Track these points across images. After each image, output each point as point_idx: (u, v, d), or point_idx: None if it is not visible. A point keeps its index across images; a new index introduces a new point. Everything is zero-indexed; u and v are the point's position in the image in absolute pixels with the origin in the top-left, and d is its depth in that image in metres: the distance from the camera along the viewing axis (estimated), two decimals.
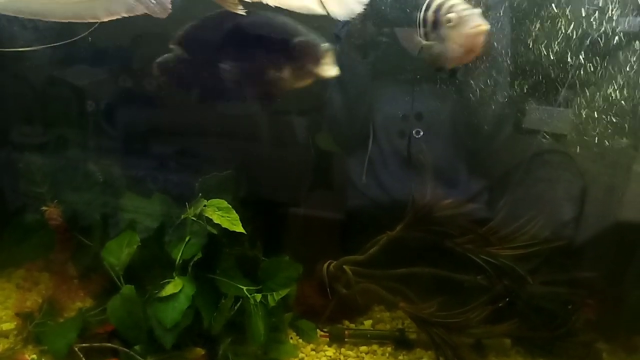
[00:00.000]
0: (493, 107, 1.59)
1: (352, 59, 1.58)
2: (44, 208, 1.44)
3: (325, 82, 1.66)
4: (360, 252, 1.56)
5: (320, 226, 1.84)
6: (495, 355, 1.53)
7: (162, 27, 1.27)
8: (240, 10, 1.06)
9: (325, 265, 1.57)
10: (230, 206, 1.25)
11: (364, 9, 1.24)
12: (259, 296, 1.29)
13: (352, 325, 1.59)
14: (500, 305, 1.42)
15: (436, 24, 1.23)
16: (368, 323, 1.61)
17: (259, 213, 1.77)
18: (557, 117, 1.62)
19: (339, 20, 1.52)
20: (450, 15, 1.18)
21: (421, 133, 1.65)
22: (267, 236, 1.70)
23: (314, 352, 1.47)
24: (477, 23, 1.17)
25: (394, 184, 1.70)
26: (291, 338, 1.50)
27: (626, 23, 1.44)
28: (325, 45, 1.22)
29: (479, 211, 1.62)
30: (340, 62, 1.54)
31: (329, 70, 1.24)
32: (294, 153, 1.86)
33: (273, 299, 1.33)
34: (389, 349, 1.50)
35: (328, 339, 1.51)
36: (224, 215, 1.24)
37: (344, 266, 1.55)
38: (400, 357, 1.47)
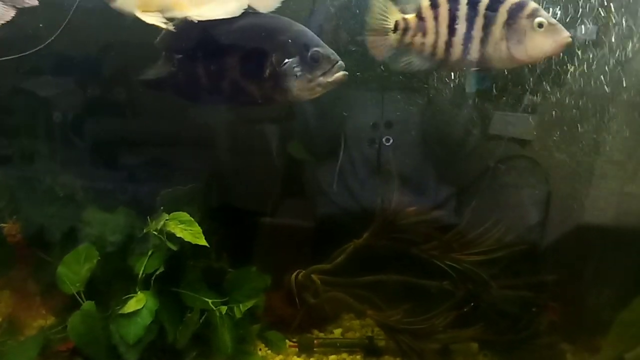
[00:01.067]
0: (461, 113, 1.64)
1: None
2: (1, 225, 1.40)
3: None
4: (328, 260, 1.57)
5: (291, 235, 1.84)
6: (462, 359, 1.55)
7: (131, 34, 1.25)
8: None
9: (294, 275, 1.57)
10: (192, 219, 1.24)
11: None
12: (224, 308, 1.28)
13: (322, 335, 1.59)
14: (465, 310, 1.44)
15: (488, 22, 1.08)
16: (338, 331, 1.62)
17: (230, 223, 1.79)
18: (521, 123, 1.66)
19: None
20: (541, 20, 1.06)
21: (391, 141, 1.67)
22: (239, 246, 1.71)
23: None
24: (568, 34, 1.08)
25: (364, 191, 1.71)
26: (260, 349, 1.49)
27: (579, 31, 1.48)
28: (341, 62, 1.15)
29: (444, 217, 1.66)
30: None
31: (336, 84, 1.17)
32: (267, 162, 1.85)
33: (239, 311, 1.32)
34: (358, 357, 1.51)
35: (297, 349, 1.51)
36: (186, 228, 1.22)
37: (312, 275, 1.55)
38: None
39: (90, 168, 1.69)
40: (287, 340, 1.50)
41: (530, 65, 1.51)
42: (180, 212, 1.27)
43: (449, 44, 1.10)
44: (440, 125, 1.70)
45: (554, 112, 1.59)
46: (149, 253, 1.25)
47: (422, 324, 1.35)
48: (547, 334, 1.55)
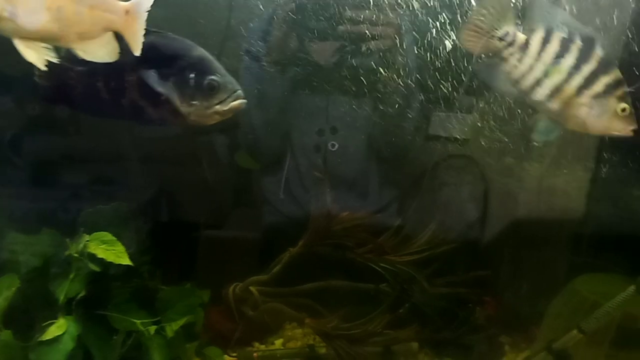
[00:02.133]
0: (405, 116, 1.65)
1: (269, 74, 1.58)
2: None
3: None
4: (266, 271, 1.56)
5: (237, 248, 1.82)
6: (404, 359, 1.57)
7: None
8: None
9: (231, 288, 1.55)
10: (114, 239, 1.20)
11: None
12: (153, 328, 1.24)
13: (263, 347, 1.58)
14: (400, 311, 1.46)
15: (584, 85, 1.05)
16: (279, 342, 1.60)
17: (173, 238, 1.76)
18: (459, 122, 1.70)
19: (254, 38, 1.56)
20: (626, 106, 1.05)
21: (336, 146, 1.68)
22: (181, 262, 1.69)
23: None
24: (634, 127, 1.08)
25: (309, 199, 1.71)
26: None
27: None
28: (239, 91, 1.15)
29: (380, 220, 1.67)
30: (258, 78, 1.59)
31: (234, 112, 1.16)
32: (212, 173, 1.83)
33: (171, 330, 1.29)
34: None
35: None
36: (108, 249, 1.19)
37: (250, 287, 1.54)
38: None
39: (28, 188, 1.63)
40: (226, 356, 1.48)
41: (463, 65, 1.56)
42: (103, 232, 1.23)
43: (537, 83, 1.08)
44: (385, 128, 1.72)
45: (487, 111, 1.65)
46: (71, 276, 1.21)
47: (358, 328, 1.36)
48: (485, 328, 1.59)
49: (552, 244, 1.66)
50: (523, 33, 1.08)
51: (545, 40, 1.06)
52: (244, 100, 1.13)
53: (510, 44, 1.07)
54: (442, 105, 1.62)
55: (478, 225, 1.77)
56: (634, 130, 1.07)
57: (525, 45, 1.07)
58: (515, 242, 1.70)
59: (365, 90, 1.59)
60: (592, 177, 1.64)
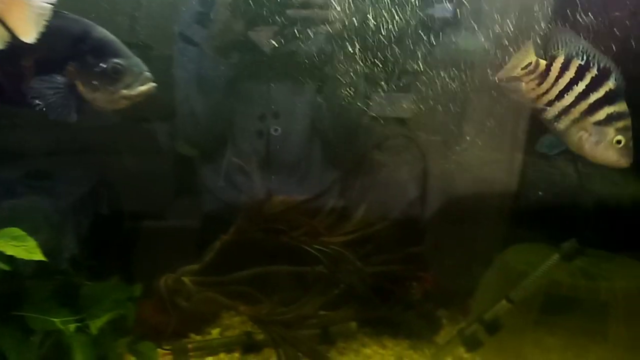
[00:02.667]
0: (347, 100, 1.63)
1: (210, 60, 1.54)
2: None
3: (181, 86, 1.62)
4: (198, 260, 1.52)
5: (176, 238, 1.76)
6: (343, 340, 1.56)
7: None
8: None
9: (163, 279, 1.50)
10: (25, 234, 1.12)
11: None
12: (73, 327, 1.17)
13: (199, 337, 1.54)
14: (336, 292, 1.45)
15: (589, 111, 1.11)
16: (216, 332, 1.57)
17: (110, 231, 1.69)
18: (399, 102, 1.70)
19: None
20: (622, 138, 1.10)
21: (279, 131, 1.65)
22: (116, 256, 1.62)
23: None
24: (629, 161, 1.12)
25: (251, 185, 1.67)
26: None
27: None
28: (147, 74, 1.09)
29: (320, 202, 1.66)
30: (198, 64, 1.55)
31: (143, 97, 1.11)
32: (154, 162, 1.77)
33: (95, 327, 1.23)
34: (236, 354, 1.47)
35: (172, 356, 1.44)
36: (19, 245, 1.11)
37: (182, 278, 1.49)
38: None
39: None
40: (159, 350, 1.43)
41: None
42: (12, 228, 1.15)
43: (549, 104, 1.13)
44: (328, 111, 1.70)
45: (427, 91, 1.65)
46: None
47: (292, 312, 1.34)
48: (422, 303, 1.61)
49: (484, 219, 1.69)
50: (545, 58, 1.14)
51: (563, 68, 1.12)
52: (154, 84, 1.07)
53: (532, 72, 1.13)
54: (383, 86, 1.63)
55: (416, 203, 1.79)
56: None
57: (546, 72, 1.13)
58: (450, 218, 1.73)
59: (307, 75, 1.57)
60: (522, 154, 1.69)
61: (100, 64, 1.02)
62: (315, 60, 1.54)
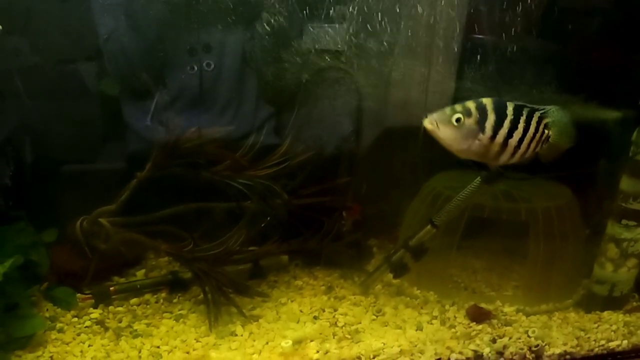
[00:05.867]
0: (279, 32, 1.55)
1: None
2: None
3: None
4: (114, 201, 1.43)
5: (98, 181, 1.67)
6: (275, 274, 1.56)
7: None
8: None
9: (78, 222, 1.41)
10: None
11: None
12: None
13: (123, 280, 1.48)
14: (262, 226, 1.42)
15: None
16: (141, 273, 1.51)
17: (25, 177, 1.56)
18: (333, 34, 1.61)
19: None
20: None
21: (212, 65, 1.58)
22: (35, 201, 1.51)
23: (76, 319, 1.32)
24: None
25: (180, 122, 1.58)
26: (47, 310, 1.34)
27: None
28: None
29: (237, 135, 1.59)
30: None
31: None
32: (77, 104, 1.65)
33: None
34: (163, 294, 1.43)
35: (92, 300, 1.38)
36: None
37: (100, 219, 1.41)
38: (175, 300, 1.41)
39: None
40: (78, 295, 1.36)
41: None
42: None
43: None
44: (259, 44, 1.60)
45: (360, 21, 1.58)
46: None
47: (217, 248, 1.30)
48: (352, 233, 1.61)
49: (412, 146, 1.68)
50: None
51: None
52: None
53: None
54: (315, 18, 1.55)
55: (347, 134, 1.76)
56: None
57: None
58: (379, 146, 1.71)
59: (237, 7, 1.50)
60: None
61: None
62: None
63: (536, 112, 1.17)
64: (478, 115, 1.13)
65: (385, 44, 1.60)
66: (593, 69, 1.63)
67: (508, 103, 1.15)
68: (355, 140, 1.77)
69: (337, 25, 1.61)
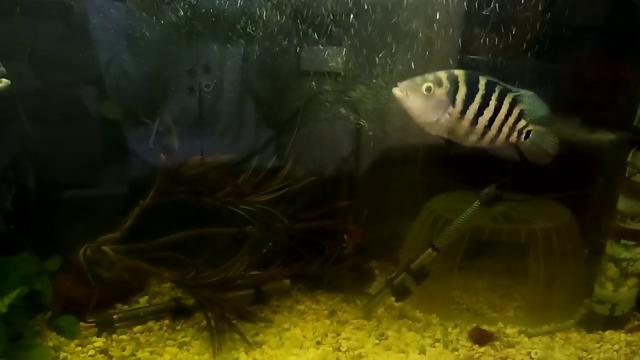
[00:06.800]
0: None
1: (134, 16, 1.45)
2: None
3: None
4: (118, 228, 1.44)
5: (101, 207, 1.68)
6: (277, 299, 1.56)
7: None
8: None
9: (82, 250, 1.42)
10: None
11: None
12: None
13: (126, 307, 1.49)
14: (264, 251, 1.43)
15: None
16: (143, 300, 1.52)
17: (29, 203, 1.60)
18: (330, 57, 1.64)
19: None
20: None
21: (211, 86, 1.61)
22: (37, 228, 1.52)
23: (80, 348, 1.32)
24: None
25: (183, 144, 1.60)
26: (51, 339, 1.34)
27: None
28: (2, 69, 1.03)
29: (239, 161, 1.61)
30: (120, 22, 1.46)
31: None
32: (77, 128, 1.68)
33: (4, 305, 1.15)
34: (166, 321, 1.43)
35: (96, 329, 1.38)
36: None
37: (103, 247, 1.42)
38: (178, 327, 1.41)
39: None
40: (82, 323, 1.36)
41: None
42: None
43: None
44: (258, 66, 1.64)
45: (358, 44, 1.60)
46: None
47: (219, 275, 1.31)
48: (353, 256, 1.62)
49: (413, 168, 1.70)
50: None
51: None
52: (8, 82, 1.00)
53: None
54: (315, 40, 1.58)
55: (346, 157, 1.78)
56: None
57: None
58: (380, 170, 1.73)
59: (236, 29, 1.51)
60: None
61: None
62: (243, 14, 1.47)
63: (509, 93, 1.11)
64: (449, 86, 1.08)
65: (382, 65, 1.63)
66: (587, 89, 1.66)
67: (481, 77, 1.10)
68: (354, 163, 1.79)
69: (334, 47, 1.65)
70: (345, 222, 1.58)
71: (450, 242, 1.37)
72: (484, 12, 1.38)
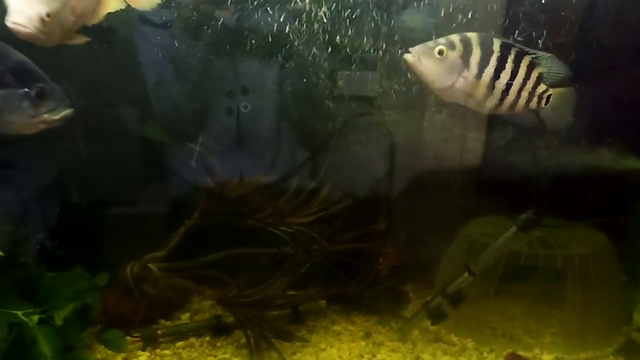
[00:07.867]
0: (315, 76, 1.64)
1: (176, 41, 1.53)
2: None
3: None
4: (164, 246, 1.51)
5: (145, 225, 1.74)
6: (313, 319, 1.59)
7: None
8: None
9: (129, 267, 1.49)
10: None
11: None
12: (35, 318, 1.16)
13: (169, 323, 1.54)
14: (302, 271, 1.47)
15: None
16: (185, 316, 1.57)
17: (75, 220, 1.64)
18: (364, 81, 1.69)
19: None
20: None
21: (248, 107, 1.67)
22: (81, 246, 1.59)
23: None
24: None
25: (217, 167, 1.66)
26: (99, 352, 1.40)
27: None
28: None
29: (275, 183, 1.66)
30: (163, 47, 1.54)
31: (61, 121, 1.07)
32: (121, 148, 1.71)
33: (59, 318, 1.21)
34: (207, 338, 1.47)
35: (141, 343, 1.44)
36: None
37: (149, 265, 1.48)
38: (219, 344, 1.46)
39: None
40: (128, 337, 1.42)
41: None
42: None
43: None
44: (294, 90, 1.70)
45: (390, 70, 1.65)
46: None
47: (259, 294, 1.35)
48: (388, 278, 1.64)
49: (447, 193, 1.72)
50: None
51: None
52: (72, 110, 1.05)
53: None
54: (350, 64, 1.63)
55: (381, 180, 1.81)
56: None
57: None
58: (415, 193, 1.75)
59: (273, 52, 1.58)
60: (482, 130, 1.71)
61: (23, 86, 0.98)
62: (280, 38, 1.54)
63: (526, 56, 1.05)
64: (462, 49, 1.02)
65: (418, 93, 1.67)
66: (623, 115, 1.66)
67: (494, 39, 1.05)
68: (389, 186, 1.82)
69: (370, 72, 1.70)
70: (381, 244, 1.61)
71: (487, 267, 1.39)
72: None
